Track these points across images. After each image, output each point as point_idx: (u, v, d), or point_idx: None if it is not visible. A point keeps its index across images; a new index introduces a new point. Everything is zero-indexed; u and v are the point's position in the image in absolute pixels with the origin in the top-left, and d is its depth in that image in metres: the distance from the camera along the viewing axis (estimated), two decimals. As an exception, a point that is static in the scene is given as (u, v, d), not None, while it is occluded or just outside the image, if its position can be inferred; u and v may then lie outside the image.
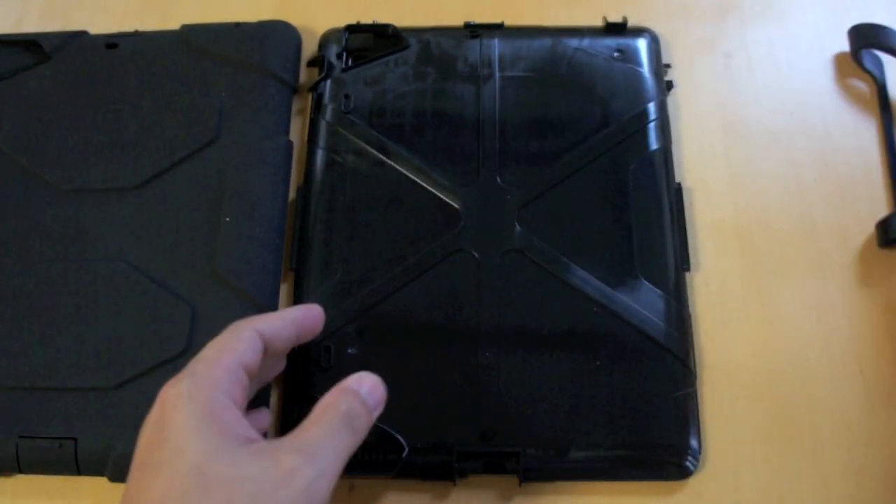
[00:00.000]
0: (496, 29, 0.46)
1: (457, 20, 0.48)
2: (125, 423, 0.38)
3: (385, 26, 0.46)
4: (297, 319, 0.34)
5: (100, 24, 0.50)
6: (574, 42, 0.46)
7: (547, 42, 0.46)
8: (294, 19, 0.48)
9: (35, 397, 0.39)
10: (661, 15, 0.49)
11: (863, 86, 0.47)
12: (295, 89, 0.47)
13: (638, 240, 0.40)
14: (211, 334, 0.31)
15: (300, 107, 0.47)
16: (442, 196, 0.41)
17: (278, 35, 0.47)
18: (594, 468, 0.37)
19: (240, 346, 0.30)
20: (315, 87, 0.46)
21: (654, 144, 0.42)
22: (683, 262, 0.40)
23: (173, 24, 0.48)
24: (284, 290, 0.42)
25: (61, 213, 0.43)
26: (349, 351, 0.39)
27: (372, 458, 0.36)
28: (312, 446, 0.28)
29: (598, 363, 0.38)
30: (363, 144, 0.43)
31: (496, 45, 0.45)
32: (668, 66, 0.46)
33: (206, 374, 0.29)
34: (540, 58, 0.45)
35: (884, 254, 0.42)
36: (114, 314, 0.40)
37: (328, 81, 0.46)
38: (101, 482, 0.38)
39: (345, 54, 0.46)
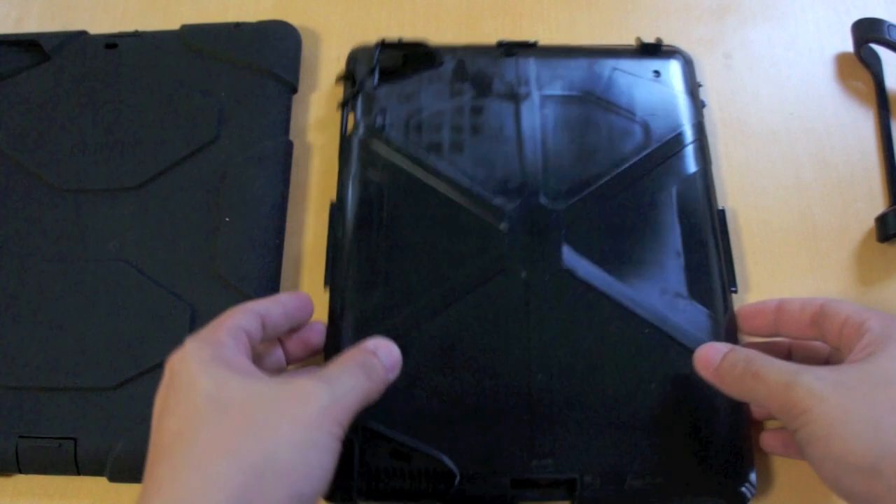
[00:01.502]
0: (530, 48, 0.45)
1: (456, 21, 0.48)
2: (125, 423, 0.38)
3: (418, 44, 0.45)
4: (288, 303, 0.34)
5: (100, 24, 0.50)
6: (611, 62, 0.45)
7: (583, 62, 0.45)
8: (294, 19, 0.48)
9: (35, 397, 0.39)
10: (661, 15, 0.49)
11: (862, 85, 0.47)
12: (295, 89, 0.47)
13: (686, 261, 0.39)
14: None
15: (300, 107, 0.47)
16: (483, 215, 0.40)
17: (278, 35, 0.47)
18: (650, 495, 0.35)
19: (236, 315, 0.31)
20: (346, 104, 0.44)
21: (693, 167, 0.42)
22: (731, 284, 0.40)
23: (173, 24, 0.48)
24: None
25: (61, 213, 0.43)
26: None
27: (422, 487, 0.35)
28: (331, 376, 0.29)
29: (652, 385, 0.37)
30: (400, 161, 0.42)
31: (532, 64, 0.45)
32: (700, 85, 0.46)
33: (208, 335, 0.30)
34: (578, 77, 0.44)
35: (883, 248, 0.42)
36: (114, 314, 0.40)
37: (360, 97, 0.44)
38: (101, 482, 0.38)
39: (376, 70, 0.45)
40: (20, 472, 0.38)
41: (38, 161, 0.44)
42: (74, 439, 0.38)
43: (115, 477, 0.37)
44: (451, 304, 0.39)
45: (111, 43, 0.47)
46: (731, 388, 0.32)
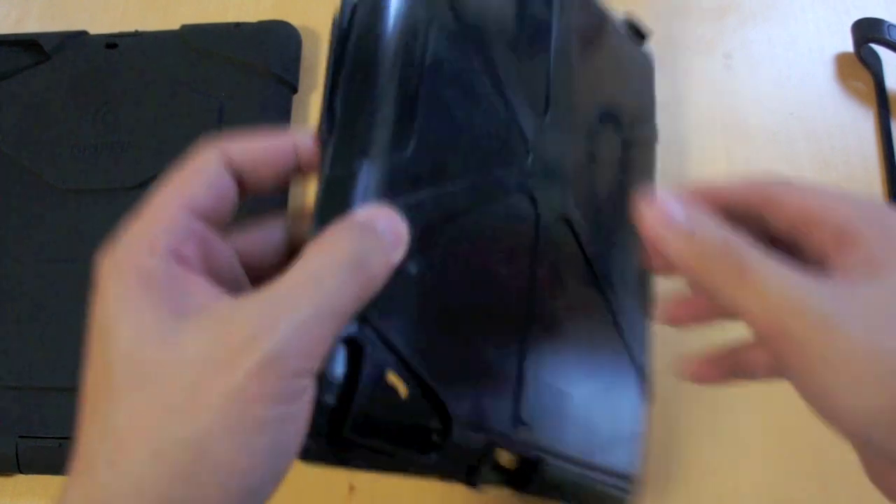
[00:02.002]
0: None
1: None
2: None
3: None
4: (276, 143, 0.25)
5: (100, 24, 0.50)
6: None
7: None
8: (294, 19, 0.48)
9: (35, 397, 0.39)
10: (661, 15, 0.49)
11: (862, 85, 0.47)
12: (295, 89, 0.47)
13: None
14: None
15: (300, 107, 0.47)
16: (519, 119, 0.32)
17: (278, 35, 0.47)
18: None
19: (190, 189, 0.23)
20: None
21: None
22: None
23: (173, 24, 0.48)
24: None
25: (61, 213, 0.43)
26: (410, 269, 0.25)
27: (410, 427, 0.26)
28: (284, 301, 0.20)
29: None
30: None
31: None
32: None
33: (141, 232, 0.23)
34: None
35: (884, 253, 0.42)
36: (114, 314, 0.40)
37: None
38: (101, 482, 0.38)
39: None
40: (20, 472, 0.38)
41: (38, 161, 0.44)
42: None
43: (115, 477, 0.37)
44: (476, 206, 0.29)
45: (111, 43, 0.47)
46: (700, 274, 0.23)
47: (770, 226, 0.25)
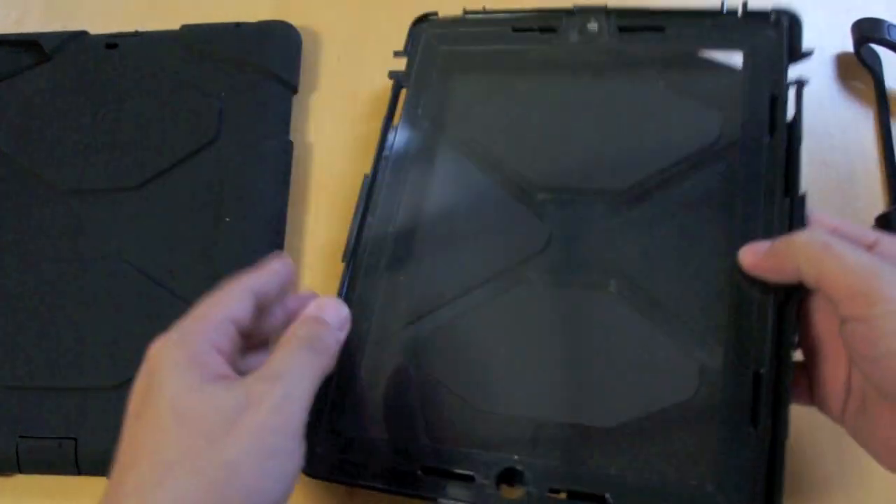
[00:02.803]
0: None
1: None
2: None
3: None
4: (281, 272, 0.34)
5: (100, 24, 0.50)
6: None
7: None
8: (294, 19, 0.48)
9: (35, 397, 0.39)
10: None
11: (862, 85, 0.47)
12: (295, 89, 0.47)
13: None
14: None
15: (300, 107, 0.47)
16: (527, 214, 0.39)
17: (278, 35, 0.47)
18: None
19: (229, 302, 0.31)
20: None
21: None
22: None
23: (173, 25, 0.48)
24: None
25: (61, 213, 0.43)
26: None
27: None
28: (276, 371, 0.29)
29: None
30: (447, 148, 0.41)
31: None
32: None
33: (193, 327, 0.30)
34: None
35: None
36: (114, 314, 0.40)
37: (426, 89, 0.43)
38: (101, 482, 0.38)
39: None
40: (20, 472, 0.38)
41: (38, 161, 0.44)
42: (74, 439, 0.38)
43: (115, 477, 0.37)
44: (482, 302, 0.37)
45: (111, 43, 0.47)
46: (795, 258, 0.30)
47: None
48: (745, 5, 0.41)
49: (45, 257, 0.42)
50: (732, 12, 0.41)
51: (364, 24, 0.49)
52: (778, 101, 0.38)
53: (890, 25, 0.45)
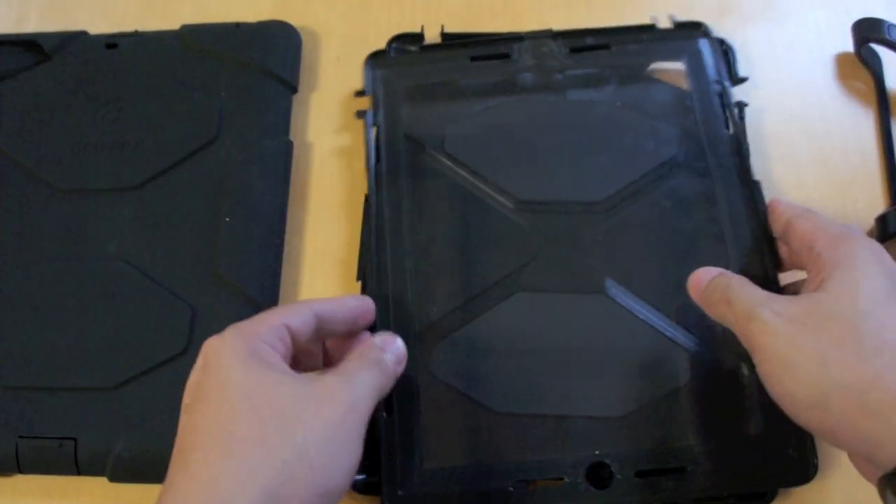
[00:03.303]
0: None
1: (457, 21, 0.48)
2: (125, 423, 0.38)
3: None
4: (353, 307, 0.35)
5: (100, 24, 0.50)
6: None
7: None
8: (294, 19, 0.48)
9: (35, 397, 0.39)
10: (661, 15, 0.49)
11: (862, 85, 0.47)
12: (295, 89, 0.47)
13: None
14: (210, 334, 0.31)
15: (300, 107, 0.47)
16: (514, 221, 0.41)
17: (278, 35, 0.47)
18: None
19: (287, 312, 0.32)
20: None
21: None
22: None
23: (173, 24, 0.48)
24: (287, 291, 0.42)
25: (61, 213, 0.43)
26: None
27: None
28: (350, 374, 0.31)
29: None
30: (443, 168, 0.43)
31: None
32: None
33: (248, 327, 0.31)
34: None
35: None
36: (114, 314, 0.40)
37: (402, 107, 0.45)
38: (101, 482, 0.38)
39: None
40: (20, 472, 0.38)
41: (38, 161, 0.44)
42: (74, 439, 0.38)
43: (115, 477, 0.37)
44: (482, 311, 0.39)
45: (111, 43, 0.47)
46: (710, 311, 0.33)
47: (792, 249, 0.35)
48: (672, 20, 0.47)
49: (45, 257, 0.42)
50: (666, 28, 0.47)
51: (364, 24, 0.49)
52: (725, 99, 0.43)
53: (890, 25, 0.45)
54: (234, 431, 0.27)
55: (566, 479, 0.35)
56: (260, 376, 0.29)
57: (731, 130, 0.42)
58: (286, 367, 0.30)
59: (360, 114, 0.45)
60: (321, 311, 0.33)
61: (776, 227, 0.37)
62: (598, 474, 0.36)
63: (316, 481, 0.27)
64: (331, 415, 0.28)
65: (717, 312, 0.33)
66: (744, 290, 0.32)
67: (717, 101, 0.43)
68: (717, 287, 0.33)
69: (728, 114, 0.43)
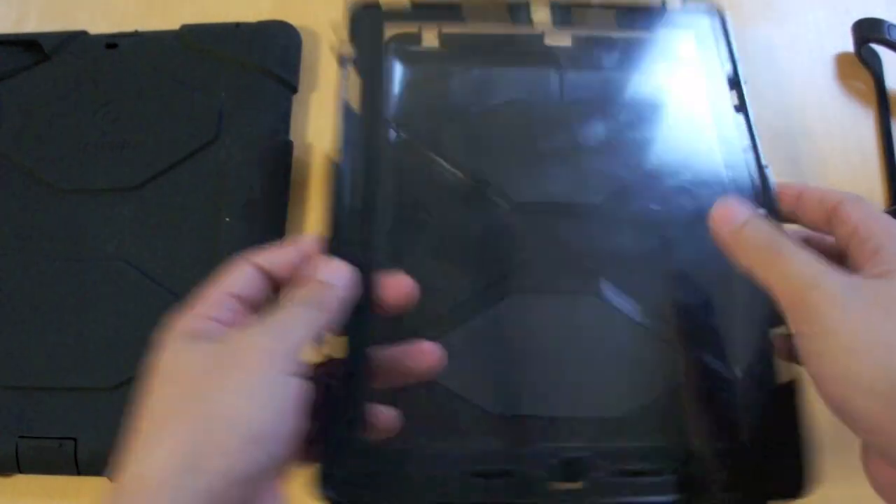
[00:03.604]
0: None
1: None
2: (125, 424, 0.38)
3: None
4: (296, 246, 0.33)
5: (100, 24, 0.50)
6: None
7: None
8: (294, 19, 0.48)
9: (35, 397, 0.39)
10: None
11: (862, 85, 0.47)
12: (295, 89, 0.47)
13: None
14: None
15: (300, 107, 0.47)
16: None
17: (278, 35, 0.47)
18: None
19: (225, 278, 0.31)
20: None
21: None
22: None
23: (173, 24, 0.48)
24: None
25: (61, 213, 0.43)
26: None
27: None
28: (270, 320, 0.29)
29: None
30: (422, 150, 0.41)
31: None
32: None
33: (188, 306, 0.30)
34: None
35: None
36: (114, 314, 0.40)
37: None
38: (101, 482, 0.38)
39: None
40: (20, 472, 0.38)
41: (38, 161, 0.44)
42: (74, 439, 0.38)
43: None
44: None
45: (111, 43, 0.47)
46: (746, 256, 0.30)
47: (835, 233, 0.31)
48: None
49: (45, 257, 0.42)
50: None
51: (364, 24, 0.49)
52: (737, 77, 0.40)
53: (890, 25, 0.45)
54: (149, 414, 0.27)
55: (543, 473, 0.33)
56: (184, 350, 0.28)
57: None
58: (221, 332, 0.29)
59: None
60: (262, 260, 0.31)
61: (820, 209, 0.32)
62: (575, 469, 0.34)
63: (240, 432, 0.26)
64: (246, 364, 0.27)
65: (757, 261, 0.29)
66: (800, 250, 0.28)
67: (725, 81, 0.40)
68: (761, 231, 0.30)
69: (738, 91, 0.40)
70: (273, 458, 0.26)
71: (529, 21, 0.43)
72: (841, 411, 0.26)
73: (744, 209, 0.31)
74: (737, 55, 0.41)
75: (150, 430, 0.27)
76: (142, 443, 0.26)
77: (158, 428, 0.26)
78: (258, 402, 0.27)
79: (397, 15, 0.42)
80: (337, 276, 0.31)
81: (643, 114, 0.41)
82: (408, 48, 0.43)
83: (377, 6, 0.42)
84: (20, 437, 0.38)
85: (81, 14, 0.51)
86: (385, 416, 0.32)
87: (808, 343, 0.27)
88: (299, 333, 0.29)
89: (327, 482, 0.30)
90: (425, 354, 0.32)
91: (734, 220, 0.31)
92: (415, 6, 0.42)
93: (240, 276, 0.31)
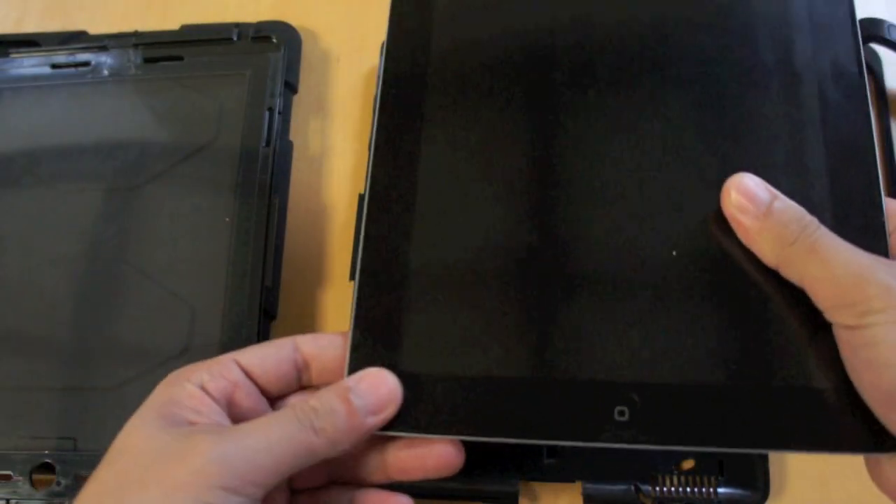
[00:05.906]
0: None
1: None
2: (125, 424, 0.38)
3: None
4: (286, 359, 0.29)
5: (100, 23, 0.50)
6: None
7: None
8: (294, 19, 0.48)
9: (35, 397, 0.39)
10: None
11: (863, 85, 0.47)
12: (295, 89, 0.47)
13: None
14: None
15: (300, 107, 0.47)
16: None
17: (278, 35, 0.47)
18: None
19: (195, 373, 0.28)
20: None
21: None
22: None
23: (173, 24, 0.48)
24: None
25: (61, 212, 0.43)
26: None
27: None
28: (235, 429, 0.25)
29: None
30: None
31: None
32: None
33: (189, 367, 0.29)
34: None
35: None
36: (114, 314, 0.40)
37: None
38: (101, 482, 0.38)
39: None
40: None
41: (37, 161, 0.44)
42: (74, 439, 0.38)
43: (115, 477, 0.37)
44: None
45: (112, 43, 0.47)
46: (770, 249, 0.26)
47: None
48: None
49: (45, 257, 0.42)
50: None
51: (364, 24, 0.49)
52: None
53: (890, 25, 0.45)
54: (91, 489, 0.25)
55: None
56: (139, 428, 0.26)
57: None
58: (195, 420, 0.26)
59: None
60: (243, 361, 0.28)
61: None
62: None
63: None
64: (170, 479, 0.24)
65: (787, 255, 0.26)
66: (838, 242, 0.26)
67: None
68: (790, 222, 0.26)
69: None
70: None
71: None
72: (885, 403, 0.24)
73: (763, 189, 0.27)
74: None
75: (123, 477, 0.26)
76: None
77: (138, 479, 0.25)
78: None
79: None
80: (374, 395, 0.26)
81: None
82: None
83: None
84: (20, 437, 0.38)
85: (81, 14, 0.51)
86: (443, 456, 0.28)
87: (860, 334, 0.24)
88: (265, 455, 0.25)
89: None
90: (444, 457, 0.28)
91: (759, 202, 0.27)
92: None
93: (211, 370, 0.28)
